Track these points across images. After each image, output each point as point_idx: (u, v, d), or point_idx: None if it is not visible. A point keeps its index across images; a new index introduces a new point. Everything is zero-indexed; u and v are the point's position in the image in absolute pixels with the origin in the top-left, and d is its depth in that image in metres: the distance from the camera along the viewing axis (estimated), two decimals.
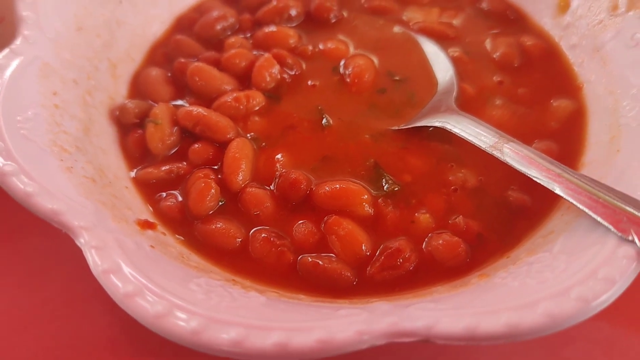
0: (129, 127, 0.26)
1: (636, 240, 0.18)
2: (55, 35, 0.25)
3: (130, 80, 0.28)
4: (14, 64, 0.23)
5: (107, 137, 0.25)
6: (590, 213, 0.19)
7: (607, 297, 0.17)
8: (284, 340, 0.16)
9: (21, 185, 0.19)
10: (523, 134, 0.24)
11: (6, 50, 0.23)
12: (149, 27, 0.30)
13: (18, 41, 0.24)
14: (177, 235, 0.23)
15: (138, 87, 0.28)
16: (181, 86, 0.28)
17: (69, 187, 0.20)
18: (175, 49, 0.29)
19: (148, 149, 0.25)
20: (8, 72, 0.23)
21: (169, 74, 0.28)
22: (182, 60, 0.28)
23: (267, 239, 0.22)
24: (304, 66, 0.28)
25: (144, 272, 0.18)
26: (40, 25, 0.25)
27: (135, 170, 0.25)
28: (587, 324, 0.22)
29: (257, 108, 0.26)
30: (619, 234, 0.18)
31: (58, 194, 0.19)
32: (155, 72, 0.28)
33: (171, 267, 0.20)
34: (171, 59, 0.29)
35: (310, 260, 0.22)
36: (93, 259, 0.18)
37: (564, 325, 0.16)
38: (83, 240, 0.18)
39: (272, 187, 0.24)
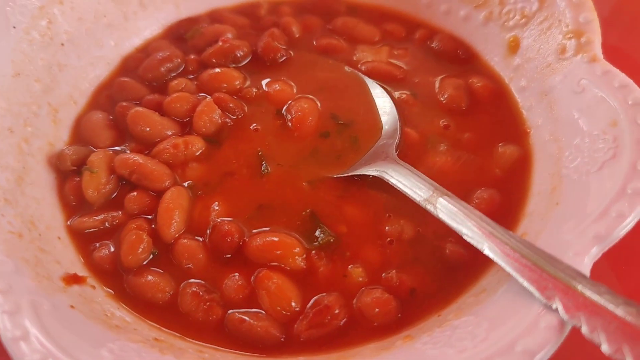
0: (67, 174, 0.26)
1: (560, 309, 0.17)
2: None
3: (72, 125, 0.28)
4: None
5: (42, 186, 0.25)
6: (518, 277, 0.18)
7: None
8: None
9: None
10: (466, 182, 0.24)
11: None
12: (93, 69, 0.29)
13: None
14: (106, 288, 0.22)
15: (79, 132, 0.27)
16: (123, 131, 0.27)
17: None
18: (119, 91, 0.29)
19: (84, 197, 0.25)
20: None
21: (111, 118, 0.28)
22: (124, 104, 0.28)
23: (196, 293, 0.22)
24: (246, 109, 0.28)
25: (54, 339, 0.18)
26: None
27: (70, 219, 0.24)
28: None
29: (197, 154, 0.26)
30: (544, 301, 0.17)
31: None
32: (96, 117, 0.28)
33: (88, 329, 0.19)
34: (115, 102, 0.28)
35: (237, 316, 0.21)
36: (4, 324, 0.17)
37: None
38: None
39: (205, 238, 0.23)
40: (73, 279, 0.21)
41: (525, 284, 0.18)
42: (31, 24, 0.27)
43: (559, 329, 0.17)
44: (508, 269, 0.19)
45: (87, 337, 0.19)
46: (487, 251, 0.19)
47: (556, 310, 0.17)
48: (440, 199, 0.21)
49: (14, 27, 0.26)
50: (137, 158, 0.25)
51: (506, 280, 0.20)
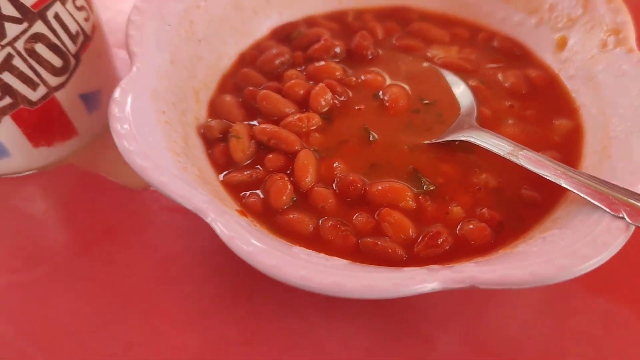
0: (213, 141, 0.32)
1: (625, 216, 0.24)
2: (158, 67, 0.31)
3: (208, 104, 0.34)
4: (129, 99, 0.29)
5: (198, 149, 0.31)
6: (589, 199, 0.25)
7: (605, 255, 0.23)
8: (370, 283, 0.22)
9: (156, 176, 0.25)
10: (531, 146, 0.29)
11: (119, 89, 0.29)
12: (220, 62, 0.36)
13: (132, 72, 0.30)
14: (261, 225, 0.29)
15: (215, 110, 0.34)
16: (251, 109, 0.34)
17: (188, 181, 0.26)
18: (243, 79, 0.35)
19: (231, 158, 0.31)
20: (128, 107, 0.28)
21: (240, 100, 0.34)
22: (251, 88, 0.34)
23: (334, 225, 0.28)
24: (350, 94, 0.34)
25: (258, 239, 0.24)
26: (147, 59, 0.31)
27: (222, 174, 0.31)
28: (588, 300, 0.28)
29: (315, 127, 0.32)
30: (612, 213, 0.24)
31: (183, 185, 0.25)
32: (229, 98, 0.34)
33: (274, 239, 0.26)
34: (239, 88, 0.35)
35: (370, 241, 0.27)
36: (221, 229, 0.24)
37: (574, 274, 0.22)
38: (210, 218, 0.24)
39: (333, 187, 0.30)
40: (242, 213, 0.28)
41: (596, 203, 0.25)
42: (179, 23, 0.33)
43: (625, 229, 0.23)
44: (581, 194, 0.25)
45: (277, 241, 0.25)
46: (563, 184, 0.26)
47: (622, 217, 0.24)
48: (521, 152, 0.28)
49: (169, 25, 0.33)
50: (274, 127, 0.31)
51: (576, 209, 0.26)
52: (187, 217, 0.33)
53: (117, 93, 0.28)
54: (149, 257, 0.31)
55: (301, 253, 0.24)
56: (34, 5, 0.29)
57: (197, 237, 0.32)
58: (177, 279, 0.30)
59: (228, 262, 0.30)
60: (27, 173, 0.35)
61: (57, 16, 0.31)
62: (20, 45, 0.30)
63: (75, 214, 0.34)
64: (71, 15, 0.32)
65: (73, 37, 0.32)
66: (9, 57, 0.30)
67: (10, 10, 0.29)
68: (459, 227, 0.28)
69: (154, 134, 0.28)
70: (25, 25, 0.30)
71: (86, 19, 0.33)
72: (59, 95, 0.33)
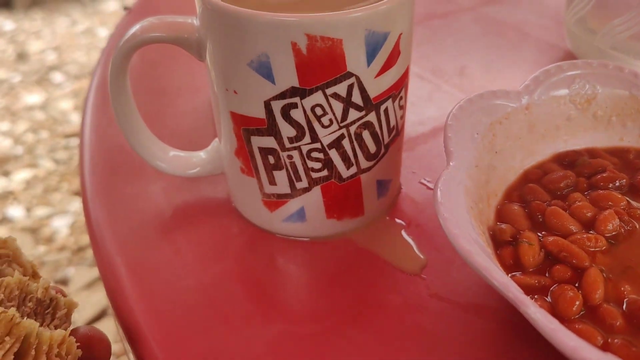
0: (502, 243, 0.35)
1: None
2: (467, 167, 0.35)
3: (495, 210, 0.38)
4: (449, 190, 0.33)
5: (490, 248, 0.34)
6: None
7: None
8: None
9: (481, 261, 0.28)
10: None
11: (442, 178, 0.33)
12: (508, 174, 0.39)
13: (449, 167, 0.34)
14: None
15: (501, 216, 0.37)
16: (535, 221, 0.37)
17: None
18: (529, 193, 0.38)
19: (520, 262, 0.34)
20: (449, 197, 0.32)
21: (526, 211, 0.37)
22: (538, 202, 0.37)
23: (624, 344, 0.29)
24: (636, 225, 0.36)
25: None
26: (460, 159, 0.35)
27: (510, 275, 0.33)
28: None
29: (600, 249, 0.34)
30: None
31: (503, 274, 0.28)
32: (516, 208, 0.37)
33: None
34: (524, 200, 0.38)
35: None
36: (543, 321, 0.26)
37: None
38: (531, 309, 0.27)
39: (623, 307, 0.31)
40: None
41: None
42: (485, 134, 0.37)
43: None
44: None
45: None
46: None
47: None
48: None
49: (477, 134, 0.37)
50: (566, 241, 0.34)
51: None
52: (454, 307, 0.36)
53: (440, 183, 0.32)
54: (417, 335, 0.34)
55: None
56: (375, 99, 0.35)
57: (462, 325, 0.34)
58: None
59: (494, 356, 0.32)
60: (309, 239, 0.40)
61: (386, 110, 0.36)
62: (353, 129, 0.35)
63: (349, 283, 0.37)
64: (395, 111, 0.37)
65: (390, 130, 0.38)
66: (341, 137, 0.35)
67: (357, 99, 0.34)
68: None
69: (470, 224, 0.32)
70: (363, 113, 0.35)
71: (401, 117, 0.39)
72: (363, 177, 0.38)
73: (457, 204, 0.32)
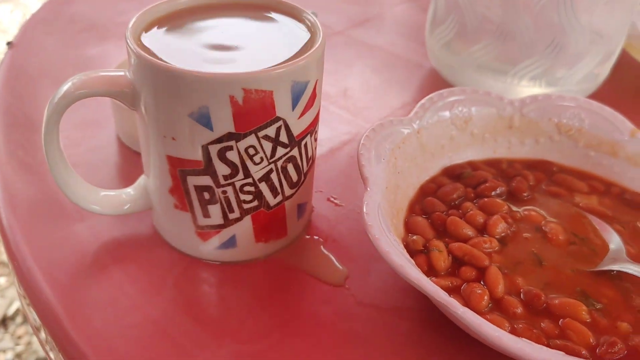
0: (415, 252, 0.40)
1: None
2: (381, 190, 0.40)
3: (404, 223, 0.43)
4: (370, 210, 0.37)
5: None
6: None
7: None
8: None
9: (413, 274, 0.33)
10: None
11: (365, 203, 0.38)
12: (408, 190, 0.45)
13: (368, 191, 0.39)
14: None
15: (410, 228, 0.42)
16: (438, 230, 0.42)
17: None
18: (429, 206, 0.44)
19: (432, 267, 0.39)
20: (374, 218, 0.37)
21: (429, 221, 0.43)
22: (438, 213, 0.43)
23: (527, 328, 0.36)
24: (517, 226, 0.43)
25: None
26: (374, 183, 0.40)
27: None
28: None
29: (494, 249, 0.41)
30: None
31: (431, 284, 0.33)
32: (421, 220, 0.43)
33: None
34: (425, 212, 0.44)
35: (560, 342, 0.35)
36: (471, 319, 0.31)
37: None
38: (461, 310, 0.32)
39: (521, 297, 0.38)
40: None
41: None
42: (389, 159, 0.42)
43: None
44: None
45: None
46: None
47: None
48: None
49: (383, 159, 0.42)
50: (468, 246, 0.40)
51: None
52: (379, 313, 0.40)
53: (365, 207, 0.37)
54: (352, 342, 0.38)
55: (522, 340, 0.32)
56: (297, 136, 0.39)
57: (389, 329, 0.39)
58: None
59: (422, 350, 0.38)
60: (237, 263, 0.43)
61: (305, 144, 0.40)
62: (280, 163, 0.39)
63: (284, 300, 0.41)
64: (311, 144, 0.41)
65: (308, 160, 0.42)
66: (270, 171, 0.39)
67: (284, 138, 0.38)
68: (630, 338, 0.35)
69: (395, 243, 0.36)
70: (288, 149, 0.39)
71: (315, 147, 0.43)
72: (287, 203, 0.42)
73: (381, 223, 0.37)
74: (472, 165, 0.49)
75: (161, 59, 0.34)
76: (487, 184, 0.46)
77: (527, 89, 0.58)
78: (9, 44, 0.65)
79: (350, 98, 0.64)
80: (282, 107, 0.36)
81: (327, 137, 0.57)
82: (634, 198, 0.46)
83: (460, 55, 0.61)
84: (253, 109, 0.34)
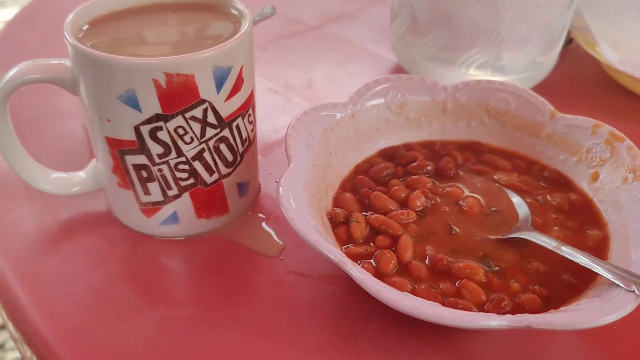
0: (338, 224, 0.45)
1: (635, 291, 0.35)
2: (305, 167, 0.44)
3: (333, 199, 0.47)
4: (290, 186, 0.42)
5: (328, 228, 0.44)
6: (611, 278, 0.36)
7: (618, 314, 0.33)
8: (459, 316, 0.33)
9: (313, 238, 0.37)
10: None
11: (283, 178, 0.42)
12: (342, 169, 0.49)
13: (290, 168, 0.43)
14: None
15: (338, 203, 0.47)
16: (364, 204, 0.46)
17: (331, 245, 0.38)
18: (359, 183, 0.48)
19: (351, 236, 0.43)
20: (289, 191, 0.41)
21: (356, 197, 0.47)
22: (365, 189, 0.47)
23: (427, 288, 0.39)
24: (437, 200, 0.47)
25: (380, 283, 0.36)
26: (298, 160, 0.44)
27: (344, 247, 0.43)
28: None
29: (412, 220, 0.45)
30: (627, 288, 0.35)
31: (330, 246, 0.38)
32: (349, 195, 0.47)
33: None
34: (355, 189, 0.48)
35: (453, 300, 0.39)
36: (356, 274, 0.35)
37: (597, 324, 0.33)
38: (348, 267, 0.36)
39: (426, 262, 0.42)
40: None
41: (615, 281, 0.36)
42: (319, 139, 0.46)
43: (634, 298, 0.34)
44: (605, 274, 0.36)
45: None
46: (593, 268, 0.37)
47: (633, 291, 0.35)
48: (563, 247, 0.40)
49: (312, 139, 0.46)
50: (384, 217, 0.44)
51: (602, 287, 0.37)
52: (308, 280, 0.44)
53: (282, 180, 0.41)
54: (280, 305, 0.42)
55: (410, 296, 0.36)
56: (227, 118, 0.43)
57: (315, 293, 0.43)
58: (300, 322, 0.41)
59: (342, 311, 0.42)
60: (184, 237, 0.48)
61: (237, 126, 0.45)
62: (211, 143, 0.43)
63: (221, 270, 0.45)
64: (245, 126, 0.46)
65: (242, 141, 0.46)
66: (202, 150, 0.43)
67: (212, 119, 0.42)
68: (517, 296, 0.39)
69: (306, 210, 0.41)
70: (218, 130, 0.43)
71: (252, 130, 0.47)
72: (225, 181, 0.46)
73: (297, 196, 0.41)
74: (408, 146, 0.52)
75: (92, 48, 0.39)
76: (415, 163, 0.50)
77: (475, 78, 0.62)
78: None
79: (314, 89, 0.68)
80: (206, 90, 0.40)
81: (285, 125, 0.60)
82: (551, 175, 0.49)
83: (414, 46, 0.65)
84: (177, 91, 0.38)
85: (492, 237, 0.43)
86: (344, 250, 0.43)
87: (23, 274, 0.44)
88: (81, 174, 0.47)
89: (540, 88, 0.62)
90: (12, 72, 0.41)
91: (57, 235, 0.48)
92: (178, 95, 0.39)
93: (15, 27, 0.79)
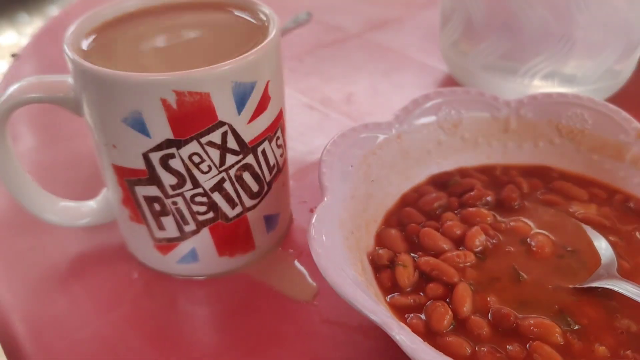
0: (381, 267, 0.38)
1: None
2: (342, 200, 0.37)
3: (375, 236, 0.40)
4: (323, 225, 0.35)
5: (369, 273, 0.37)
6: None
7: None
8: None
9: (350, 292, 0.31)
10: None
11: (315, 215, 0.35)
12: (386, 200, 0.42)
13: (324, 202, 0.36)
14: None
15: (381, 241, 0.40)
16: (412, 243, 0.39)
17: (372, 298, 0.31)
18: (406, 217, 0.41)
19: (397, 283, 0.36)
20: (323, 232, 0.34)
21: (403, 234, 0.40)
22: (413, 225, 0.40)
23: (490, 351, 0.32)
24: (500, 238, 0.39)
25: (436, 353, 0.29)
26: (334, 192, 0.37)
27: (388, 297, 0.36)
28: None
29: (469, 264, 0.38)
30: None
31: (371, 301, 0.31)
32: (394, 232, 0.40)
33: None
34: (401, 224, 0.41)
35: None
36: (405, 342, 0.28)
37: None
38: (395, 332, 0.29)
39: (488, 317, 0.34)
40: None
41: None
42: (359, 165, 0.40)
43: None
44: None
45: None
46: None
47: None
48: None
49: (351, 166, 0.40)
50: (436, 260, 0.37)
51: None
52: (344, 331, 0.38)
53: (314, 219, 0.35)
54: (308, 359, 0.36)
55: None
56: (250, 142, 0.37)
57: (351, 348, 0.37)
58: None
59: None
60: (205, 277, 0.42)
61: (263, 151, 0.38)
62: (232, 172, 0.37)
63: (245, 317, 0.39)
64: (273, 151, 0.39)
65: (270, 169, 0.40)
66: (222, 180, 0.37)
67: (233, 145, 0.36)
68: None
69: (342, 256, 0.34)
70: (240, 157, 0.37)
71: (281, 155, 0.41)
72: (249, 215, 0.40)
73: (331, 237, 0.35)
74: (462, 172, 0.45)
75: (93, 63, 0.33)
76: (472, 193, 0.42)
77: (541, 90, 0.54)
78: (14, 55, 0.67)
79: (354, 104, 0.61)
80: (225, 111, 0.34)
81: (322, 145, 0.54)
82: (638, 207, 0.41)
83: (469, 54, 0.57)
84: (190, 112, 0.32)
85: (570, 286, 0.36)
86: (388, 301, 0.36)
87: (27, 317, 0.40)
88: (91, 203, 0.42)
89: (615, 99, 0.54)
90: (12, 89, 0.36)
91: (65, 273, 0.43)
92: (191, 117, 0.33)
93: (40, 39, 0.75)
